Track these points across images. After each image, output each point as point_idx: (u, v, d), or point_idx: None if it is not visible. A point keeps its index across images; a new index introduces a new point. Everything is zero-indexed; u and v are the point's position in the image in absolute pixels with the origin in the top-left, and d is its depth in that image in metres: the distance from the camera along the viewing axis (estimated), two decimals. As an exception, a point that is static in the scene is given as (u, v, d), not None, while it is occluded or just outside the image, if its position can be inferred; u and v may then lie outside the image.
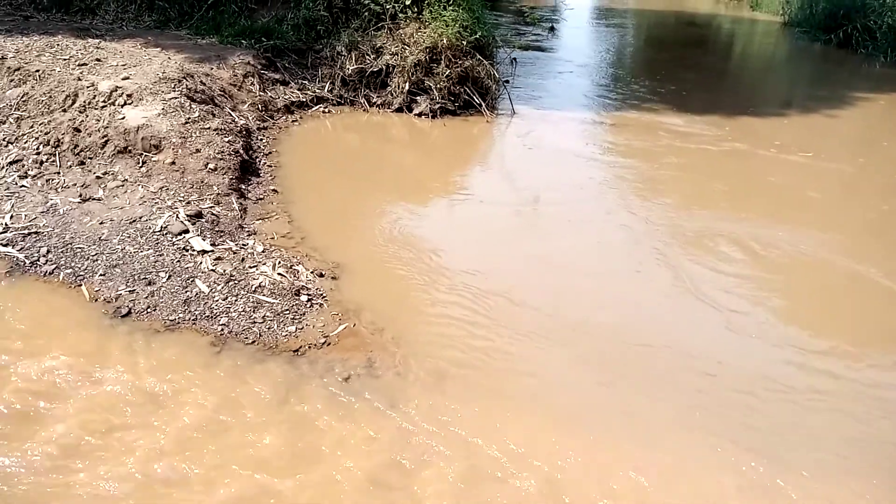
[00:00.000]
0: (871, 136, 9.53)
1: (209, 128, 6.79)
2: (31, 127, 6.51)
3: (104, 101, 6.69)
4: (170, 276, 4.99)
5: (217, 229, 5.63)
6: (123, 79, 7.06)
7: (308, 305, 4.89)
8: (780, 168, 7.91)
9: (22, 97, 6.85)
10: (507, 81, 9.95)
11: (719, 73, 12.63)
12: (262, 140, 7.58)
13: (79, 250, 5.21)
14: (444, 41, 8.73)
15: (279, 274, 5.13)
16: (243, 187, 6.44)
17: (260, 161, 7.12)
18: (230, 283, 4.98)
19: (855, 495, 3.68)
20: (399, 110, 8.88)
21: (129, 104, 6.74)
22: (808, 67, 13.86)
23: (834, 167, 8.01)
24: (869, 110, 10.43)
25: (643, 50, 15.00)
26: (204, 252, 5.28)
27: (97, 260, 5.12)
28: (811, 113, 10.06)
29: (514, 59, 10.59)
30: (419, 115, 8.78)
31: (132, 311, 4.68)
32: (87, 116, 6.54)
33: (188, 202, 5.86)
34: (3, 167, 6.12)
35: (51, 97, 6.73)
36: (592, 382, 4.40)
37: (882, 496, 3.69)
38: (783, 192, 7.32)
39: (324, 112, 8.76)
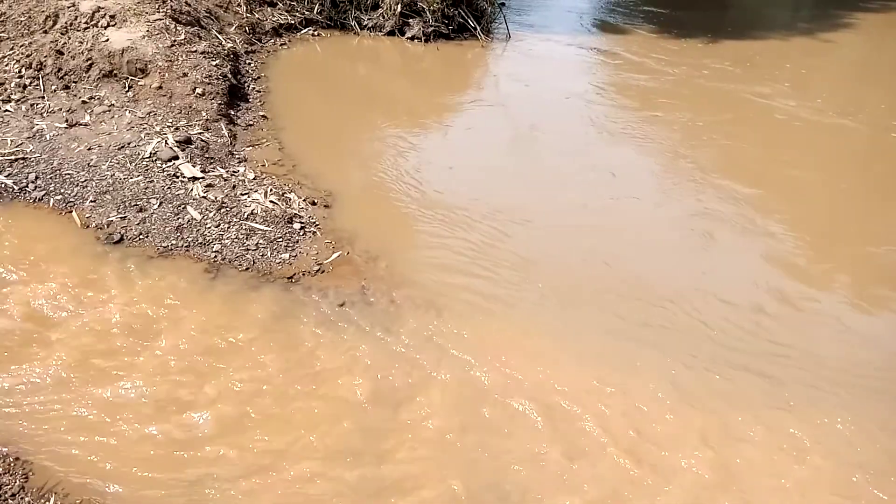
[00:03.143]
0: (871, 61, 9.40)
1: (196, 51, 6.61)
2: (12, 49, 6.31)
3: (86, 23, 6.47)
4: (161, 203, 4.96)
5: (207, 156, 5.55)
6: (105, -2, 6.81)
7: (301, 233, 4.89)
8: (782, 105, 7.81)
9: None
10: (503, 4, 9.65)
11: (722, 3, 12.26)
12: (250, 64, 7.40)
13: (68, 176, 5.15)
14: (438, -40, 8.42)
15: (271, 201, 5.10)
16: (232, 113, 6.33)
17: (248, 86, 6.96)
18: (222, 211, 4.96)
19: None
20: (391, 33, 8.62)
21: (113, 26, 6.53)
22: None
23: (827, 102, 7.92)
24: (868, 32, 10.22)
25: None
26: (194, 179, 5.23)
27: (87, 186, 5.07)
28: (809, 37, 9.86)
29: (510, -20, 10.26)
30: (412, 38, 8.55)
31: (124, 237, 4.68)
32: (70, 38, 6.34)
33: (177, 128, 5.76)
34: (-15, 91, 5.97)
35: (30, 17, 6.50)
36: (585, 308, 4.46)
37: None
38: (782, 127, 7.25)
39: (313, 35, 8.51)
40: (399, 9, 8.52)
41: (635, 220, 5.41)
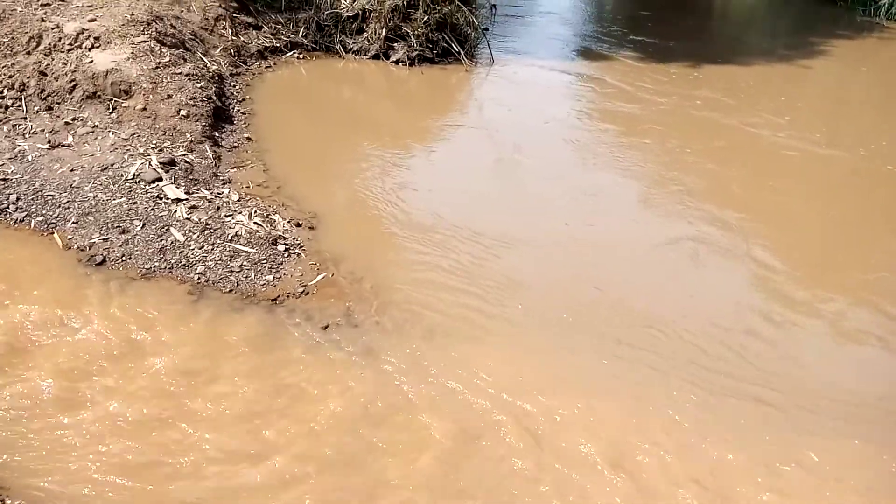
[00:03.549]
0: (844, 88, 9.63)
1: (180, 73, 6.61)
2: (-6, 70, 6.28)
3: (70, 44, 6.47)
4: (144, 225, 4.93)
5: (191, 177, 5.54)
6: (90, 20, 6.81)
7: (285, 255, 4.88)
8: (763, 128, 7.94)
9: (-17, 38, 6.58)
10: (487, 29, 9.78)
11: (700, 27, 12.53)
12: (234, 86, 7.41)
13: (50, 197, 5.11)
14: (423, -15, 8.52)
15: (255, 223, 5.09)
16: (217, 135, 6.32)
17: (233, 108, 6.98)
18: (206, 232, 4.94)
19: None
20: (375, 57, 8.70)
21: (97, 47, 6.53)
22: (789, 20, 13.80)
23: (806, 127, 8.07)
24: (845, 60, 10.47)
25: (624, 3, 14.73)
26: (178, 200, 5.21)
27: (69, 207, 5.03)
28: (789, 64, 10.07)
29: (494, 5, 10.37)
30: (396, 62, 8.62)
31: (107, 259, 4.64)
32: (54, 60, 6.32)
33: (161, 149, 5.75)
34: (-34, 111, 5.93)
35: (13, 39, 6.47)
36: (570, 329, 4.48)
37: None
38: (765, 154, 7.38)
39: (298, 58, 8.55)
40: (384, 33, 8.61)
41: (622, 242, 5.44)
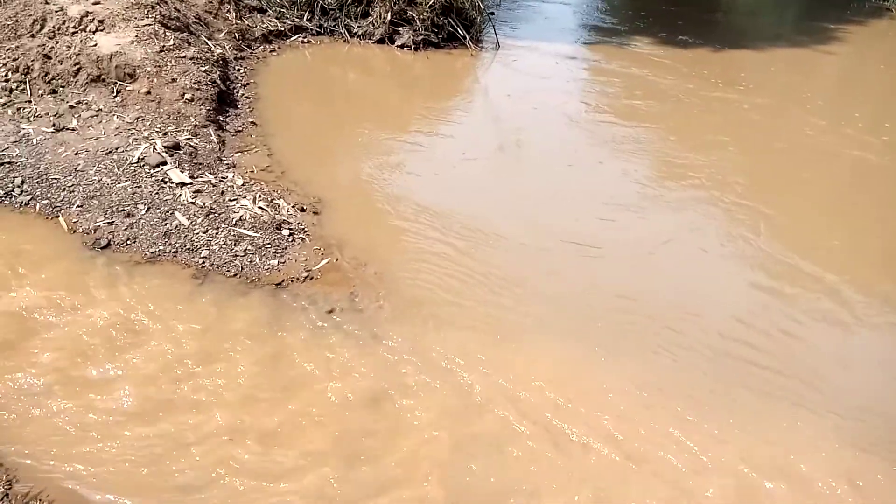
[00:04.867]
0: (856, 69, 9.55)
1: (185, 56, 6.59)
2: (-1, 53, 6.27)
3: (74, 27, 6.45)
4: (148, 209, 4.94)
5: (195, 161, 5.54)
6: (94, 3, 6.78)
7: (290, 240, 4.88)
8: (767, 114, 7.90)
9: (-13, 21, 6.56)
10: (493, 13, 9.71)
11: (708, 17, 12.40)
12: (239, 70, 7.39)
13: (54, 181, 5.11)
14: (428, -31, 8.46)
15: (260, 208, 5.09)
16: (221, 119, 6.31)
17: (237, 92, 6.95)
18: (210, 216, 4.94)
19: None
20: (380, 41, 8.65)
21: (101, 31, 6.50)
22: (796, 8, 13.67)
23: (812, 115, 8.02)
24: (854, 45, 10.39)
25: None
26: (183, 184, 5.21)
27: (73, 191, 5.03)
28: (800, 50, 10.01)
29: (500, -11, 10.34)
30: (401, 46, 8.57)
31: (111, 242, 4.65)
32: (58, 43, 6.30)
33: (165, 133, 5.74)
34: (-30, 94, 5.92)
35: (17, 21, 6.45)
36: (568, 313, 4.47)
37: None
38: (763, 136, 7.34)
39: (303, 42, 8.51)
40: (389, 17, 8.55)
41: (627, 233, 5.42)
